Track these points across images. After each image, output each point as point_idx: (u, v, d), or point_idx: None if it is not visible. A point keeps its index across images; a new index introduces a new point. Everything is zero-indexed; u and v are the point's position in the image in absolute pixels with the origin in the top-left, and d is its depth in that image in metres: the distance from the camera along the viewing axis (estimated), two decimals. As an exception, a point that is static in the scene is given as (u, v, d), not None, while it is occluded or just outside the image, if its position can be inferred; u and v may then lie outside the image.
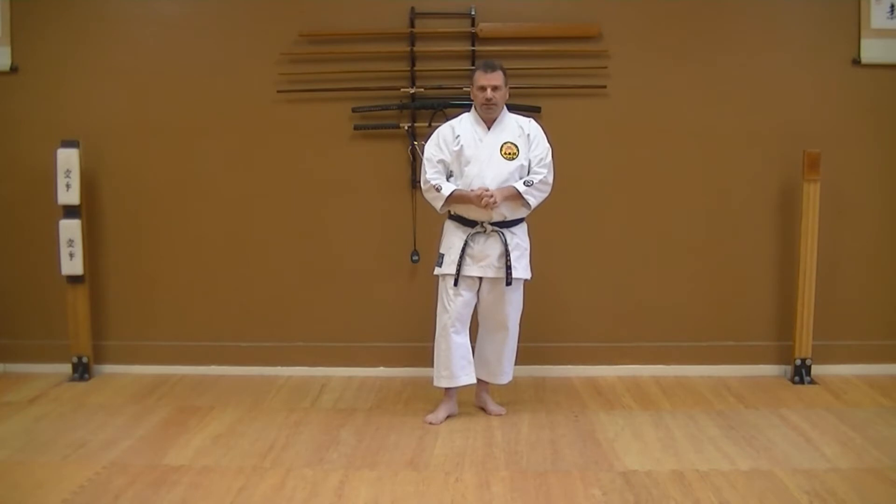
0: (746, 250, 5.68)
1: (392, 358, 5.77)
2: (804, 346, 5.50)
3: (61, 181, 5.55)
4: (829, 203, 5.44)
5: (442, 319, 4.80)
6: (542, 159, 4.73)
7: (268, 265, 5.82)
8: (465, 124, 4.78)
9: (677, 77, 5.57)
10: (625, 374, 5.70)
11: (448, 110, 5.47)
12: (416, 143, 5.54)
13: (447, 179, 4.77)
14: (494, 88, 4.65)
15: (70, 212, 5.60)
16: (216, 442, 4.52)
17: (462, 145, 4.70)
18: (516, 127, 4.76)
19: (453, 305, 4.74)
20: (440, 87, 5.56)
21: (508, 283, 4.69)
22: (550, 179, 4.75)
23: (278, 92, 5.62)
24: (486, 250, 4.70)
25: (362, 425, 4.77)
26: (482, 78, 4.67)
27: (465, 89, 5.47)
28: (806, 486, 3.82)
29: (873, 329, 5.69)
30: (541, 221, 5.50)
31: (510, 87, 4.78)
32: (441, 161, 4.77)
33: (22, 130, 5.78)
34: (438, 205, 4.76)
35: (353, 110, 5.59)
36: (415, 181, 5.58)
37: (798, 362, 5.51)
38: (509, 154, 4.69)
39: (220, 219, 5.81)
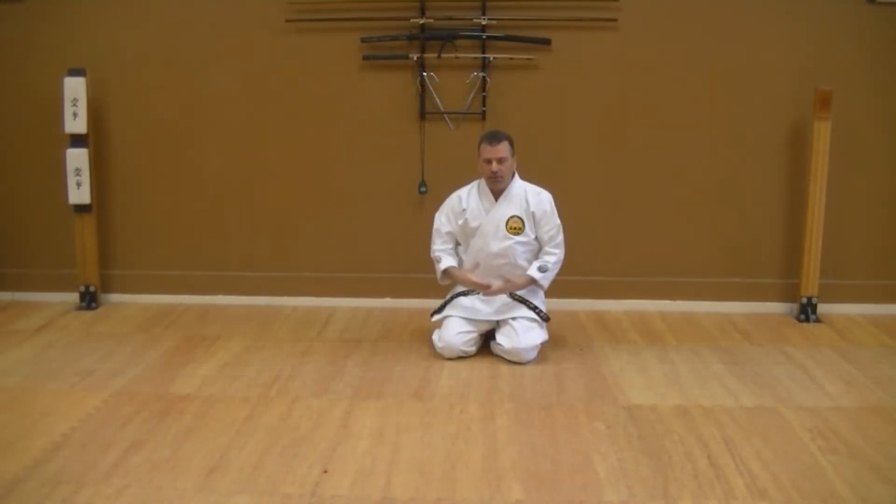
0: (755, 187, 5.64)
1: (398, 289, 5.79)
2: (811, 284, 5.49)
3: (68, 110, 5.52)
4: (839, 142, 5.39)
5: (437, 346, 4.82)
6: (552, 238, 4.76)
7: (275, 195, 5.81)
8: (472, 195, 4.80)
9: (689, 11, 5.47)
10: (631, 308, 5.72)
11: (457, 41, 5.44)
12: (425, 73, 5.49)
13: (457, 246, 4.88)
14: (500, 161, 4.61)
15: (77, 141, 5.58)
16: (222, 371, 4.55)
17: (467, 218, 4.75)
18: (524, 200, 4.73)
19: (450, 344, 4.75)
20: (450, 18, 5.48)
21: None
22: (563, 258, 4.79)
23: (287, 21, 5.55)
24: (492, 302, 4.82)
25: (368, 356, 4.80)
26: (487, 151, 4.64)
27: (474, 20, 5.43)
28: (809, 423, 3.84)
29: (880, 269, 5.68)
30: (548, 156, 5.49)
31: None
32: (449, 233, 4.85)
33: (28, 59, 5.73)
34: (438, 276, 4.88)
35: (362, 40, 5.52)
36: (423, 112, 5.56)
37: (804, 300, 5.51)
38: (515, 229, 4.71)
39: (228, 148, 5.78)
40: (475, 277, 4.71)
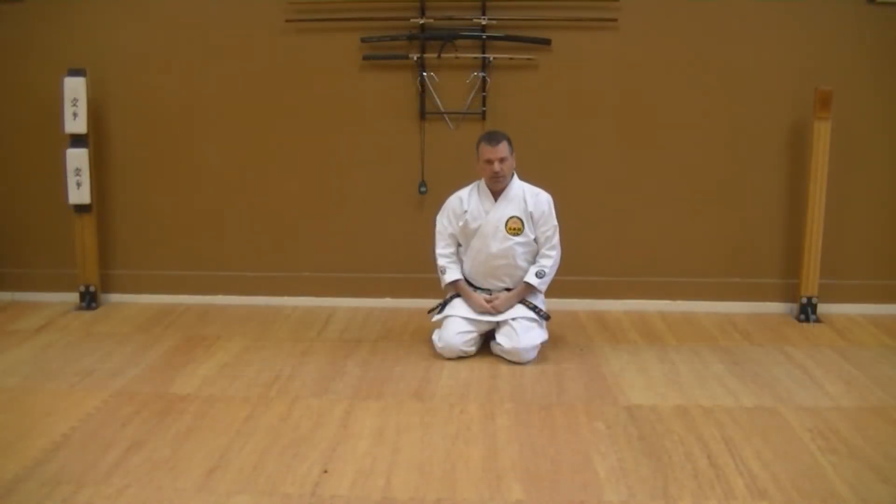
0: (755, 187, 5.63)
1: (398, 289, 5.79)
2: (811, 284, 5.49)
3: (68, 110, 5.52)
4: (839, 142, 5.38)
5: (437, 346, 4.82)
6: (549, 238, 4.78)
7: (275, 195, 5.81)
8: (473, 197, 4.82)
9: (689, 11, 5.46)
10: (631, 308, 5.72)
11: (457, 41, 5.44)
12: (424, 73, 5.49)
13: (458, 247, 4.94)
14: (501, 161, 4.63)
15: (77, 141, 5.58)
16: (222, 371, 4.55)
17: (466, 220, 4.78)
18: (522, 200, 4.75)
19: (449, 344, 4.74)
20: (450, 18, 5.48)
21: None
22: (559, 259, 4.82)
23: (287, 21, 5.55)
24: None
25: (368, 356, 4.80)
26: (488, 151, 4.65)
27: (474, 20, 5.43)
28: (809, 423, 3.84)
29: (880, 269, 5.67)
30: (548, 156, 5.48)
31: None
32: (451, 235, 4.88)
33: (28, 59, 5.73)
34: (442, 285, 4.94)
35: (363, 40, 5.52)
36: (423, 112, 5.56)
37: (804, 300, 5.51)
38: (514, 230, 4.73)
39: (228, 148, 5.77)
40: (483, 301, 4.76)
